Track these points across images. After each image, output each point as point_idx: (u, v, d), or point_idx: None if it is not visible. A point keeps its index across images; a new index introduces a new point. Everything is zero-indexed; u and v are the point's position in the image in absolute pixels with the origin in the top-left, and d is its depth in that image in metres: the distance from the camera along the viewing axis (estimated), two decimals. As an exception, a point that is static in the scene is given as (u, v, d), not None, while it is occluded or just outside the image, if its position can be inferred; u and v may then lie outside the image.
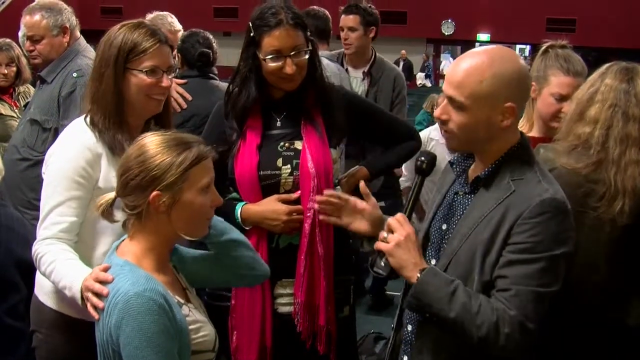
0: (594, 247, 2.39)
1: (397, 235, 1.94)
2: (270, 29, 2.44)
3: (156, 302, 1.75)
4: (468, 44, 22.25)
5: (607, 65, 2.45)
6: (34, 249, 2.25)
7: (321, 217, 2.31)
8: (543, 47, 2.83)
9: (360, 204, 2.25)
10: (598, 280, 2.41)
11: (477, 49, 1.99)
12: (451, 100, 1.92)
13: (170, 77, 2.34)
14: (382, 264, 1.98)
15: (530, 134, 2.87)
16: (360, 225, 2.25)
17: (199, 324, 1.93)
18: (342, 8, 4.55)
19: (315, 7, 4.49)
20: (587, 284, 2.42)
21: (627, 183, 2.28)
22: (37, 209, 2.48)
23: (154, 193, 1.82)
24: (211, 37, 3.99)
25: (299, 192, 2.51)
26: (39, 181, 2.97)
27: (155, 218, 1.86)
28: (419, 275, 1.89)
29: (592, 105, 2.38)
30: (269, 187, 2.52)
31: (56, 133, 2.61)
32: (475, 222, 1.92)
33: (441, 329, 1.94)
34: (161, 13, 4.16)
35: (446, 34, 21.34)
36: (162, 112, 2.41)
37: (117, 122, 2.28)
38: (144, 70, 2.26)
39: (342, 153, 2.86)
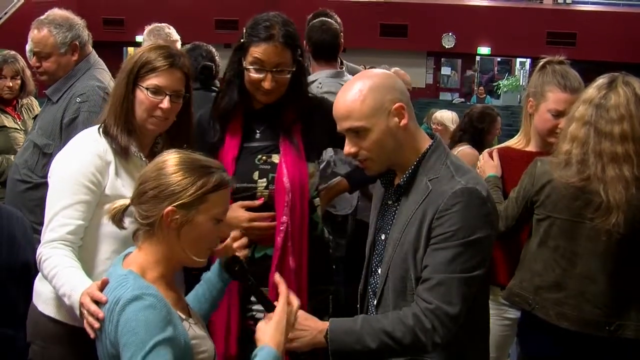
0: (592, 258, 2.43)
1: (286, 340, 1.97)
2: (259, 41, 2.46)
3: (153, 304, 1.76)
4: (468, 57, 22.34)
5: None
6: (38, 251, 2.27)
7: None
8: (540, 63, 2.86)
9: None
10: (596, 291, 2.43)
11: (345, 84, 2.10)
12: (351, 131, 2.02)
13: (176, 101, 2.36)
14: None
15: (528, 149, 2.91)
16: None
17: (197, 340, 1.93)
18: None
19: (325, 19, 4.17)
20: (585, 295, 2.44)
21: (616, 197, 2.32)
22: (36, 232, 2.49)
23: (169, 208, 1.84)
24: (214, 50, 4.04)
25: (262, 199, 2.53)
26: (38, 204, 2.94)
27: (166, 232, 1.87)
28: (325, 337, 1.98)
29: (572, 122, 2.44)
30: (244, 199, 2.53)
31: None
32: (403, 226, 2.01)
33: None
34: (159, 24, 4.16)
35: (447, 47, 21.36)
36: (180, 131, 2.45)
37: (125, 129, 2.33)
38: (147, 87, 2.31)
39: (322, 167, 2.88)
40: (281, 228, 2.51)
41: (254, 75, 2.48)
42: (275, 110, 2.58)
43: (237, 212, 2.49)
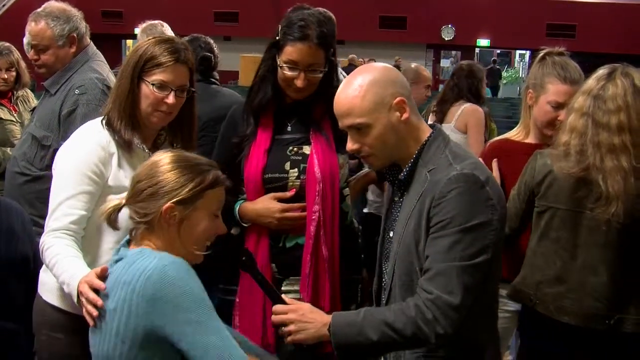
0: (592, 249, 2.43)
1: (291, 326, 2.00)
2: (295, 40, 2.48)
3: (190, 268, 1.80)
4: (468, 49, 22.33)
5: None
6: (41, 239, 2.28)
7: None
8: (540, 54, 2.84)
9: None
10: (596, 283, 2.43)
11: (345, 79, 2.08)
12: (352, 128, 2.00)
13: (181, 96, 2.37)
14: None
15: (527, 141, 2.90)
16: None
17: None
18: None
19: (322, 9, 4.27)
20: (586, 287, 2.44)
21: (615, 187, 2.32)
22: (36, 225, 2.47)
23: (168, 204, 1.86)
24: (212, 42, 4.02)
25: (294, 190, 2.57)
26: (37, 197, 2.95)
27: (166, 228, 1.90)
28: (328, 330, 1.96)
29: (571, 113, 2.43)
30: (275, 189, 2.58)
31: (54, 153, 2.57)
32: (405, 220, 2.00)
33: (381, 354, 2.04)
34: (152, 22, 4.13)
35: (446, 39, 21.38)
36: (183, 123, 2.46)
37: (129, 123, 2.34)
38: (152, 83, 2.32)
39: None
40: (313, 217, 2.55)
41: (288, 73, 2.51)
42: (306, 105, 2.63)
43: (270, 203, 2.55)
